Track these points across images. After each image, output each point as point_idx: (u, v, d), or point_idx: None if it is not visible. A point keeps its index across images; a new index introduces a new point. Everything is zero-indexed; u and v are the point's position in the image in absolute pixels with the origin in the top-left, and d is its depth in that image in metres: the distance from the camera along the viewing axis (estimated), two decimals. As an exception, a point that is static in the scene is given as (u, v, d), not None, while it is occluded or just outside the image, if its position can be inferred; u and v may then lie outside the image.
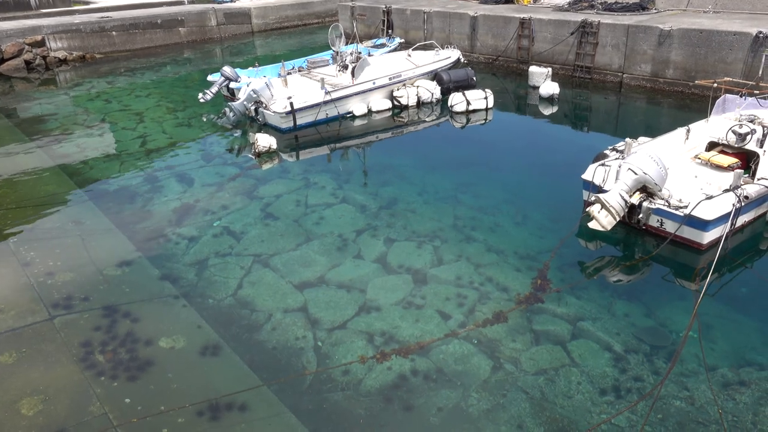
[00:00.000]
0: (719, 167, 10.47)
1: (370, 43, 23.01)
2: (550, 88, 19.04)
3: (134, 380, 6.95)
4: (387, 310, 8.25)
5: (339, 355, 7.39)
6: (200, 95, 17.71)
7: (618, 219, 9.63)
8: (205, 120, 17.88)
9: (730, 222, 8.89)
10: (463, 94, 17.71)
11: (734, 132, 11.02)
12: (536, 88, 19.78)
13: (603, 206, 9.58)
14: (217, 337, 7.69)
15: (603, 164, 10.66)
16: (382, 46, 22.52)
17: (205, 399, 6.57)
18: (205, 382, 6.95)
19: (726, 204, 8.93)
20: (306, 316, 8.13)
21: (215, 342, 7.58)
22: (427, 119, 17.79)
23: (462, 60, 20.47)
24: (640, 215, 9.66)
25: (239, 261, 9.59)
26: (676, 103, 18.18)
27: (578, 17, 20.79)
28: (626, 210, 9.50)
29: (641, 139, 11.95)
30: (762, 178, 9.59)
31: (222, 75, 17.87)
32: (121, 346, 7.52)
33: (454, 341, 7.55)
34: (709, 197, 9.04)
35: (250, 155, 14.75)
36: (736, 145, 11.08)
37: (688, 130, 11.94)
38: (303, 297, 8.57)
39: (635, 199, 9.58)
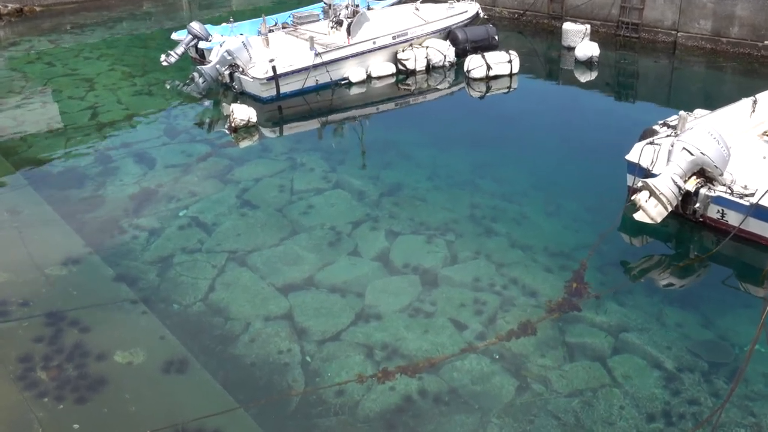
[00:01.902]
0: (794, 146, 10.27)
1: (369, -7, 22.96)
2: (588, 49, 19.00)
3: (84, 402, 6.95)
4: (390, 319, 8.27)
5: (331, 373, 7.41)
6: (163, 57, 17.69)
7: (670, 209, 9.42)
8: (168, 87, 17.85)
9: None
10: (483, 57, 17.67)
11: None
12: (571, 49, 19.75)
13: (651, 193, 9.55)
14: (184, 350, 7.72)
15: (652, 143, 10.64)
16: (385, -3, 22.61)
17: (170, 424, 6.58)
18: (170, 404, 6.97)
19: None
20: (291, 326, 8.17)
21: (182, 356, 7.61)
22: (438, 87, 17.75)
23: (482, 15, 20.44)
24: (697, 205, 9.66)
25: (211, 258, 9.61)
26: (741, 67, 18.11)
27: (623, -37, 20.83)
28: (680, 198, 9.50)
29: (698, 111, 11.92)
30: None
31: (189, 33, 17.80)
32: (67, 362, 7.52)
33: (470, 356, 7.56)
34: (782, 183, 9.01)
35: (223, 130, 14.75)
36: (815, 120, 11.11)
37: (755, 101, 11.90)
38: (288, 302, 8.60)
39: (691, 185, 9.58)
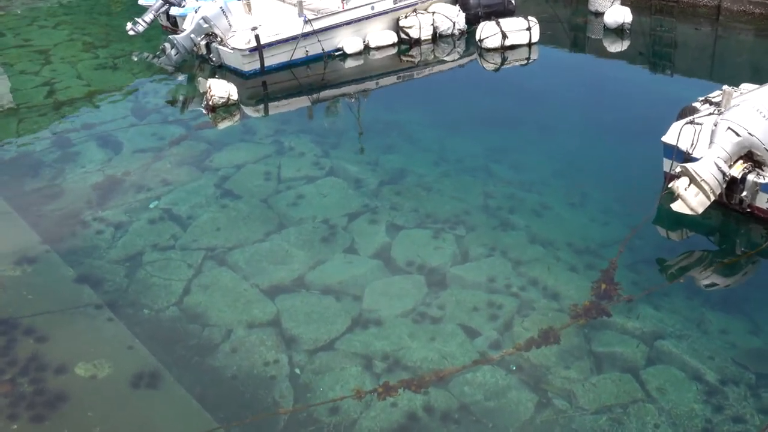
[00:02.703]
0: None
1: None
2: (618, 14, 18.87)
3: (41, 421, 6.96)
4: (391, 325, 8.33)
5: (325, 387, 7.45)
6: (129, 26, 17.60)
7: (713, 198, 9.46)
8: (136, 60, 17.79)
9: None
10: (497, 24, 17.59)
11: None
12: (599, 15, 19.64)
13: (692, 180, 9.55)
14: (155, 361, 7.75)
15: (692, 122, 10.61)
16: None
17: (140, 447, 6.62)
18: (139, 423, 6.98)
19: None
20: (279, 333, 8.23)
21: (153, 368, 7.64)
22: (446, 59, 17.70)
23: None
24: (744, 193, 9.71)
25: (186, 257, 9.68)
26: (795, 35, 18.12)
27: None
28: (724, 186, 9.54)
29: (744, 86, 11.86)
30: None
31: (160, -3, 17.79)
32: (22, 375, 7.53)
33: (484, 368, 7.62)
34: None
35: (200, 110, 14.71)
36: None
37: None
38: (274, 306, 8.68)
39: (737, 170, 9.62)
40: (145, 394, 7.33)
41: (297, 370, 7.63)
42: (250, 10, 17.13)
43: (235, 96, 14.66)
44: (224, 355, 7.89)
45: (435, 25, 18.09)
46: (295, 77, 16.23)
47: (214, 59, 16.60)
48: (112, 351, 7.89)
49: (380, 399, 7.24)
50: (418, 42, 18.01)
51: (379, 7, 17.51)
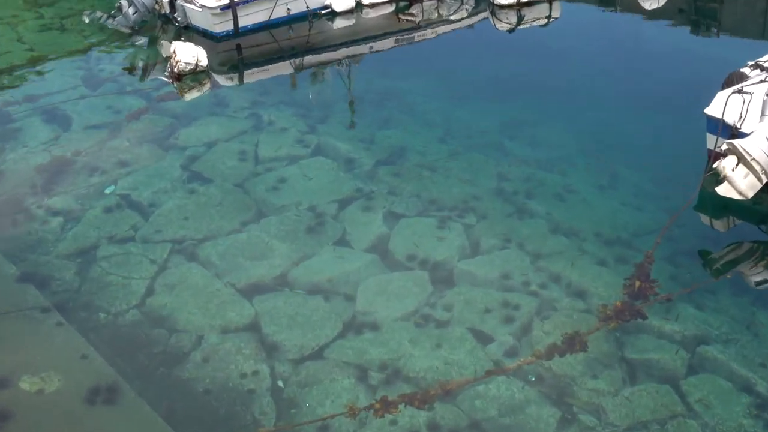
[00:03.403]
0: None
1: None
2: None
3: (-20, 443, 6.97)
4: (390, 329, 8.34)
5: (313, 402, 7.45)
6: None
7: (765, 181, 9.53)
8: (87, 21, 17.58)
9: None
10: (513, -24, 17.61)
11: None
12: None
13: (740, 160, 9.51)
14: (113, 373, 7.71)
15: (740, 91, 10.56)
16: None
17: (96, 472, 6.67)
18: (97, 444, 6.96)
19: None
20: (258, 339, 8.24)
21: (111, 381, 7.60)
22: (452, 18, 17.60)
23: None
24: (801, 174, 9.80)
25: (149, 251, 9.68)
26: None
27: None
28: (778, 166, 9.54)
29: (803, 48, 11.85)
30: None
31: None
32: (-43, 390, 7.49)
33: (498, 380, 7.62)
34: None
35: (163, 78, 14.66)
36: None
37: None
38: (253, 308, 8.69)
39: (793, 148, 9.72)
40: (101, 411, 7.30)
41: (280, 383, 7.65)
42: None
43: (204, 62, 14.60)
44: (195, 365, 7.87)
45: (439, -23, 18.03)
46: (274, 40, 16.18)
47: (179, 19, 16.51)
48: (62, 361, 7.87)
49: (377, 416, 7.26)
50: (419, -2, 17.94)
51: (374, -44, 17.50)
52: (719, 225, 10.33)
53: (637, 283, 8.85)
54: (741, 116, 10.37)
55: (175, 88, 13.83)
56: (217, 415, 7.31)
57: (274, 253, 9.61)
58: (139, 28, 16.40)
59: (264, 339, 8.26)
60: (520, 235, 9.90)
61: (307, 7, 16.69)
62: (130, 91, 13.93)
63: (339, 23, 16.77)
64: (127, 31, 16.40)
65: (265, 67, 15.15)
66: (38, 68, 14.85)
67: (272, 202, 10.65)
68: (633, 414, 7.27)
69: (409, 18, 17.07)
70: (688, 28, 16.73)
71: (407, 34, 16.43)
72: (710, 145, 10.76)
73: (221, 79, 14.56)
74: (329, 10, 17.05)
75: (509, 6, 17.36)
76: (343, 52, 15.67)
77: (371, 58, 15.40)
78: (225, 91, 14.11)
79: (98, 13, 17.66)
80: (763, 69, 11.29)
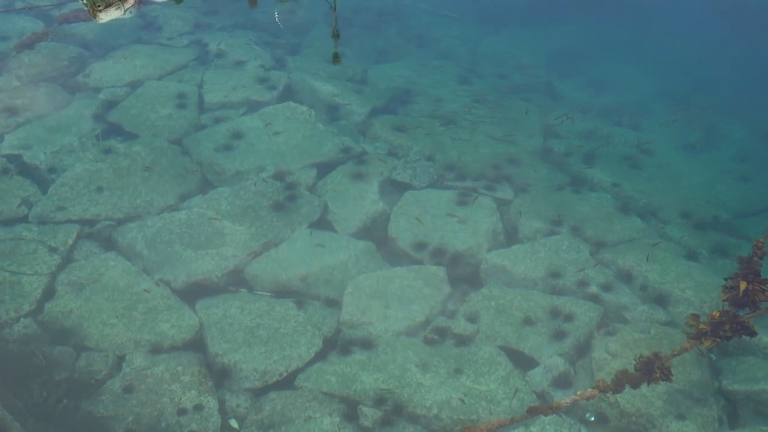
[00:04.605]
0: None
1: None
2: None
3: None
4: (389, 348, 7.55)
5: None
6: None
7: None
8: None
9: None
10: None
11: None
12: None
13: None
14: (-2, 409, 6.85)
15: None
16: None
17: None
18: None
19: None
20: (203, 362, 7.39)
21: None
22: None
23: None
24: None
25: (47, 235, 8.64)
26: None
27: None
28: None
29: None
30: None
31: None
32: None
33: (543, 421, 6.83)
34: None
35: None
36: None
37: None
38: (196, 317, 7.80)
39: None
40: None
41: (233, 423, 6.91)
42: None
43: (127, -36, 13.68)
44: (113, 397, 7.03)
45: None
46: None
47: None
48: None
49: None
50: None
51: None
52: None
53: (743, 285, 7.43)
54: None
55: (85, 3, 12.07)
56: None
57: (225, 240, 8.57)
58: None
59: (211, 361, 7.38)
60: (576, 214, 8.96)
61: None
62: (21, 8, 12.49)
63: None
64: None
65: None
66: None
67: (223, 166, 9.53)
68: (735, 468, 6.81)
69: None
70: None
71: None
72: None
73: (149, -13, 13.36)
74: None
75: None
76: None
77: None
78: (156, 9, 12.60)
79: None
80: None
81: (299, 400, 6.96)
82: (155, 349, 7.38)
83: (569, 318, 7.66)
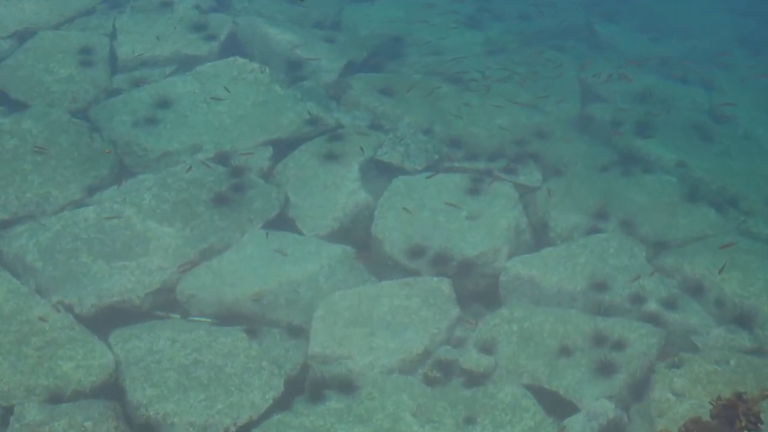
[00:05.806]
0: None
1: None
2: None
3: None
4: (376, 391, 6.97)
5: None
6: None
7: None
8: None
9: None
10: None
11: None
12: None
13: None
14: None
15: None
16: None
17: None
18: None
19: None
20: (119, 414, 6.75)
21: None
22: None
23: None
24: None
25: None
26: None
27: None
28: None
29: None
30: None
31: None
32: None
33: None
34: None
35: None
36: None
37: None
38: (110, 353, 7.16)
39: None
40: None
41: None
42: None
43: None
44: None
45: None
46: None
47: None
48: None
49: None
50: None
51: None
52: None
53: None
54: None
55: None
56: None
57: (150, 247, 7.74)
58: None
59: (132, 413, 6.70)
60: (627, 205, 8.01)
61: None
62: None
63: None
64: None
65: None
66: None
67: (146, 146, 8.67)
68: None
69: None
70: None
71: None
72: None
73: None
74: None
75: None
76: None
77: None
78: None
79: None
80: None
81: (254, 469, 6.43)
82: (55, 398, 6.63)
83: (620, 346, 6.81)
